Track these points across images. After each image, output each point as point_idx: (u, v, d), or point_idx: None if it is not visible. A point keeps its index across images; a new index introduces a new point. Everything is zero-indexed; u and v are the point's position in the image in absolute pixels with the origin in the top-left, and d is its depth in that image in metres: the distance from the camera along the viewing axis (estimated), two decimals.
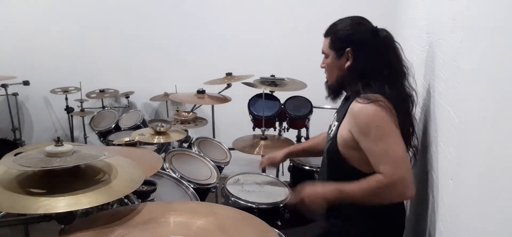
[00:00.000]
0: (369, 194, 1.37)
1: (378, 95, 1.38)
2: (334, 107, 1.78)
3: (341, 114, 1.53)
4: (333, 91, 1.59)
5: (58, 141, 1.03)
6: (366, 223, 1.48)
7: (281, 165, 2.89)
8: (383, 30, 1.49)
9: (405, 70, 1.49)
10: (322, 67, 1.61)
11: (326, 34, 1.56)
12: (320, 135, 1.97)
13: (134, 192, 1.29)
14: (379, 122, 1.35)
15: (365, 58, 1.45)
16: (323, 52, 1.58)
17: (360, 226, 1.48)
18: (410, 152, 1.54)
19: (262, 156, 2.22)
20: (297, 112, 2.76)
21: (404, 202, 1.60)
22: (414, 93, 1.50)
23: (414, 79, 1.52)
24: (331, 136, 1.57)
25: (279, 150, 2.04)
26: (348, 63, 1.49)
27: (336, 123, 1.56)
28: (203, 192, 2.00)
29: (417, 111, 1.74)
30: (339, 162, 1.50)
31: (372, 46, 1.46)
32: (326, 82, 1.62)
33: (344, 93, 1.60)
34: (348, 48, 1.47)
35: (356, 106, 1.40)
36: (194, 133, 2.93)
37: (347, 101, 1.51)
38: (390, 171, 1.33)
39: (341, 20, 1.53)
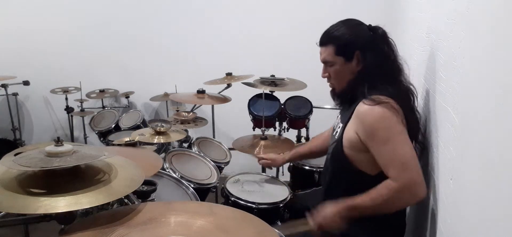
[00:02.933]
0: (381, 202, 1.34)
1: (384, 97, 1.37)
2: (334, 108, 1.78)
3: (346, 116, 1.52)
4: (344, 97, 1.56)
5: (58, 141, 1.03)
6: (366, 224, 1.48)
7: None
8: (378, 27, 1.49)
9: (401, 66, 1.49)
10: (324, 77, 1.57)
11: (326, 43, 1.51)
12: (319, 136, 1.96)
13: (134, 192, 1.30)
14: (386, 123, 1.34)
15: (373, 58, 1.44)
16: (325, 62, 1.54)
17: (361, 227, 1.48)
18: (417, 148, 1.53)
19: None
20: (297, 112, 2.76)
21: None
22: (412, 86, 1.50)
23: (408, 73, 1.52)
24: (336, 138, 1.55)
25: (281, 154, 2.03)
26: (359, 66, 1.47)
27: (341, 125, 1.55)
28: (203, 192, 2.00)
29: None
30: (344, 164, 1.49)
31: (375, 44, 1.46)
32: (333, 90, 1.58)
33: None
34: (357, 52, 1.46)
35: (363, 107, 1.39)
36: (194, 133, 2.93)
37: (352, 102, 1.49)
38: (398, 175, 1.32)
39: (336, 26, 1.51)
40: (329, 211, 1.43)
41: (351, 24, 1.50)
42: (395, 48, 1.50)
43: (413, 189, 1.31)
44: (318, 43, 1.55)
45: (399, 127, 1.34)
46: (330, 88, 1.60)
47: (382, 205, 1.35)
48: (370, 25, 1.49)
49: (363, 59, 1.46)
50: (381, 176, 1.38)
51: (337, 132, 1.57)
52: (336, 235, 1.54)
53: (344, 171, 1.51)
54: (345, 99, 1.57)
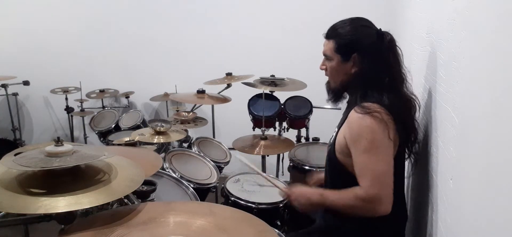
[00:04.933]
0: (346, 205, 1.40)
1: (376, 106, 1.36)
2: (334, 108, 1.78)
3: (341, 121, 1.53)
4: (335, 94, 1.56)
5: (58, 141, 1.03)
6: (365, 225, 1.48)
7: (281, 165, 2.90)
8: (387, 33, 1.46)
9: (404, 76, 1.47)
10: (322, 69, 1.57)
11: (329, 37, 1.50)
12: None
13: (134, 192, 1.29)
14: (371, 134, 1.35)
15: (371, 64, 1.42)
16: (325, 54, 1.53)
17: (360, 227, 1.48)
18: (411, 158, 1.53)
19: (262, 156, 2.21)
20: (297, 112, 2.76)
21: (406, 205, 1.60)
22: (414, 97, 1.49)
23: (411, 84, 1.51)
24: (330, 141, 1.57)
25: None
26: (354, 69, 1.45)
27: (336, 129, 1.56)
28: (203, 192, 2.00)
29: (417, 112, 1.74)
30: (337, 167, 1.50)
31: (378, 51, 1.42)
32: (328, 84, 1.59)
33: (346, 96, 1.58)
34: (355, 54, 1.44)
35: (353, 115, 1.40)
36: (194, 133, 2.93)
37: (350, 106, 1.49)
38: (368, 186, 1.35)
39: (344, 22, 1.48)
40: (304, 191, 1.54)
41: (357, 25, 1.47)
42: (401, 58, 1.47)
43: (376, 205, 1.34)
44: (324, 35, 1.54)
45: (384, 140, 1.34)
46: (327, 81, 1.60)
47: (347, 208, 1.40)
48: (379, 30, 1.46)
49: (359, 62, 1.44)
50: None
51: (332, 136, 1.58)
52: (336, 234, 1.55)
53: (338, 174, 1.52)
54: (337, 97, 1.57)
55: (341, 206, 1.41)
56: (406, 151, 1.51)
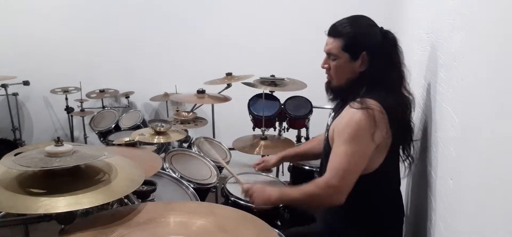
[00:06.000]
0: (305, 196, 1.42)
1: (373, 103, 1.36)
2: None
3: (336, 114, 1.53)
4: (338, 93, 1.54)
5: (58, 141, 1.03)
6: (365, 225, 1.48)
7: (281, 165, 2.90)
8: (390, 32, 1.46)
9: (404, 75, 1.47)
10: (324, 68, 1.54)
11: (336, 35, 1.46)
12: (314, 139, 1.96)
13: (134, 192, 1.30)
14: (354, 129, 1.36)
15: (379, 63, 1.42)
16: (329, 53, 1.50)
17: (359, 228, 1.48)
18: (406, 162, 1.53)
19: (262, 155, 2.22)
20: (297, 112, 2.76)
21: (402, 201, 1.60)
22: (411, 97, 1.48)
23: (409, 82, 1.51)
24: (325, 136, 1.57)
25: (273, 155, 2.02)
26: (362, 67, 1.44)
27: (330, 120, 1.57)
28: (203, 192, 2.00)
29: (417, 111, 1.74)
30: None
31: (384, 49, 1.43)
32: (329, 83, 1.56)
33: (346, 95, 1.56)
34: (364, 52, 1.43)
35: (348, 109, 1.41)
36: (194, 133, 2.93)
37: (344, 103, 1.48)
38: (330, 176, 1.38)
39: (349, 20, 1.47)
40: (266, 188, 1.56)
41: (364, 23, 1.47)
42: (402, 56, 1.47)
43: (333, 194, 1.38)
44: (327, 32, 1.50)
45: (366, 138, 1.35)
46: (327, 80, 1.57)
47: (304, 198, 1.43)
48: (382, 28, 1.46)
49: (369, 61, 1.43)
50: (368, 176, 1.41)
51: (327, 131, 1.57)
52: (332, 234, 1.55)
53: None
54: (339, 95, 1.54)
55: (299, 197, 1.45)
56: (402, 152, 1.50)
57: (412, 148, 1.51)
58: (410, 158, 1.52)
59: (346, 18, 1.48)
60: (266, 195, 1.53)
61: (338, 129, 1.43)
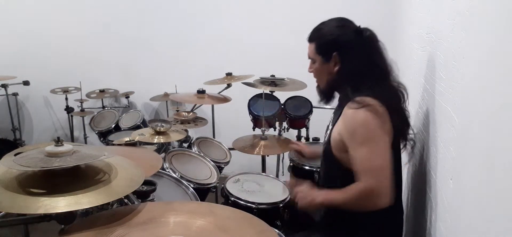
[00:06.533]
0: (349, 201, 1.39)
1: (370, 99, 1.37)
2: (334, 108, 1.78)
3: (335, 117, 1.54)
4: (325, 95, 1.59)
5: (58, 141, 1.03)
6: (365, 220, 1.48)
7: (281, 165, 2.90)
8: (367, 29, 1.48)
9: (390, 68, 1.48)
10: (310, 72, 1.60)
11: (310, 40, 1.55)
12: None
13: (134, 192, 1.30)
14: (366, 127, 1.36)
15: (352, 60, 1.44)
16: (309, 58, 1.58)
17: (359, 223, 1.48)
18: (407, 146, 1.54)
19: (266, 156, 2.21)
20: (297, 112, 2.76)
21: (402, 201, 1.60)
22: (401, 86, 1.49)
23: (397, 74, 1.52)
24: (326, 138, 1.58)
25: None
26: (337, 67, 1.48)
27: (330, 126, 1.57)
28: (203, 192, 2.00)
29: (417, 111, 1.74)
30: (334, 164, 1.50)
31: (357, 47, 1.45)
32: (318, 86, 1.61)
33: (337, 95, 1.59)
34: (335, 53, 1.47)
35: (347, 111, 1.41)
36: (194, 133, 2.93)
37: (342, 104, 1.50)
38: (366, 179, 1.35)
39: (324, 24, 1.53)
40: (311, 192, 1.51)
41: (335, 24, 1.50)
42: (384, 51, 1.48)
43: (375, 198, 1.34)
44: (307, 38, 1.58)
45: (380, 132, 1.35)
46: (316, 84, 1.62)
47: (348, 204, 1.40)
48: (358, 27, 1.48)
49: (340, 61, 1.47)
50: None
51: (328, 133, 1.58)
52: (332, 234, 1.55)
53: (335, 170, 1.53)
54: (328, 97, 1.59)
55: (343, 202, 1.41)
56: (402, 140, 1.51)
57: (411, 133, 1.52)
58: (410, 142, 1.53)
59: (322, 21, 1.54)
60: (311, 197, 1.51)
61: (347, 132, 1.41)
